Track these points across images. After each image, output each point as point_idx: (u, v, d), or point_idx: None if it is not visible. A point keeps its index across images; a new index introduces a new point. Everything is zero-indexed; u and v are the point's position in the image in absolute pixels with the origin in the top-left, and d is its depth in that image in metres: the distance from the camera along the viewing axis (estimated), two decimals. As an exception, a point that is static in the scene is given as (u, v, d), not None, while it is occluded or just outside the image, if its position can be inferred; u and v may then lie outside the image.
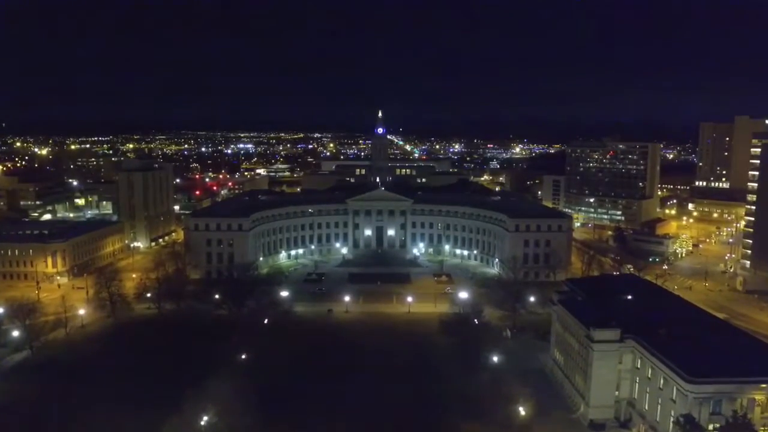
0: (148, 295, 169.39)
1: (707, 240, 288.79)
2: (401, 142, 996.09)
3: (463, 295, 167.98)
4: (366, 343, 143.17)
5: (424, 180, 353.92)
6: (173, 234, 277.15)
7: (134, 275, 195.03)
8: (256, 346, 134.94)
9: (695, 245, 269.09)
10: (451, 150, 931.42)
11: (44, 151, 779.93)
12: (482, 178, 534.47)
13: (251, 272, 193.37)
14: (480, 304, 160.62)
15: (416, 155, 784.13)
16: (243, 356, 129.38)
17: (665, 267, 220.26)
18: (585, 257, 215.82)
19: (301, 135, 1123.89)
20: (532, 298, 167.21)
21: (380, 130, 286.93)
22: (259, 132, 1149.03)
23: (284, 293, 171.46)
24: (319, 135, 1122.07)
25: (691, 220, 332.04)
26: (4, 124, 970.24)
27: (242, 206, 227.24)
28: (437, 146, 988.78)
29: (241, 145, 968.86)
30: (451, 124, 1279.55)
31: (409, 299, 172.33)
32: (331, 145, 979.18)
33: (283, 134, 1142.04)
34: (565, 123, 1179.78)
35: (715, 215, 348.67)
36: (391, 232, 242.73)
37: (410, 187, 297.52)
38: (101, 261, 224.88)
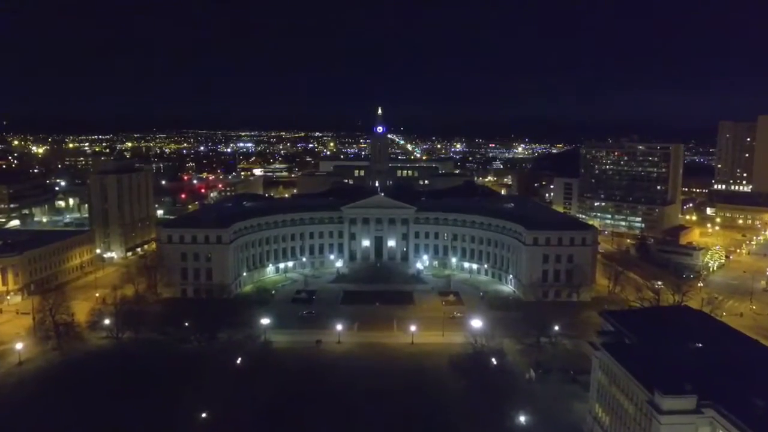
0: (106, 321, 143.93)
1: (737, 250, 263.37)
2: (402, 142, 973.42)
3: (476, 323, 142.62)
4: (360, 387, 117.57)
5: (426, 182, 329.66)
6: (153, 243, 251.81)
7: (97, 294, 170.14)
8: (224, 397, 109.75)
9: (726, 256, 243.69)
10: (453, 149, 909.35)
11: (41, 150, 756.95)
12: (487, 179, 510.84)
13: (226, 294, 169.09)
14: (497, 336, 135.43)
15: (417, 155, 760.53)
16: (204, 414, 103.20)
17: (700, 284, 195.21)
18: (612, 274, 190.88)
19: (302, 134, 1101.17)
20: (556, 327, 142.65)
21: (380, 129, 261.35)
22: (260, 131, 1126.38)
23: (265, 320, 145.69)
24: (320, 134, 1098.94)
25: (716, 228, 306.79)
26: (5, 122, 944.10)
27: (223, 215, 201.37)
28: (439, 145, 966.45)
29: (241, 144, 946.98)
30: (452, 122, 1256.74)
31: (413, 328, 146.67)
32: (332, 144, 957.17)
33: (284, 133, 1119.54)
34: (564, 123, 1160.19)
35: (740, 221, 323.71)
36: (391, 242, 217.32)
37: (412, 191, 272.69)
38: (65, 276, 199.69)
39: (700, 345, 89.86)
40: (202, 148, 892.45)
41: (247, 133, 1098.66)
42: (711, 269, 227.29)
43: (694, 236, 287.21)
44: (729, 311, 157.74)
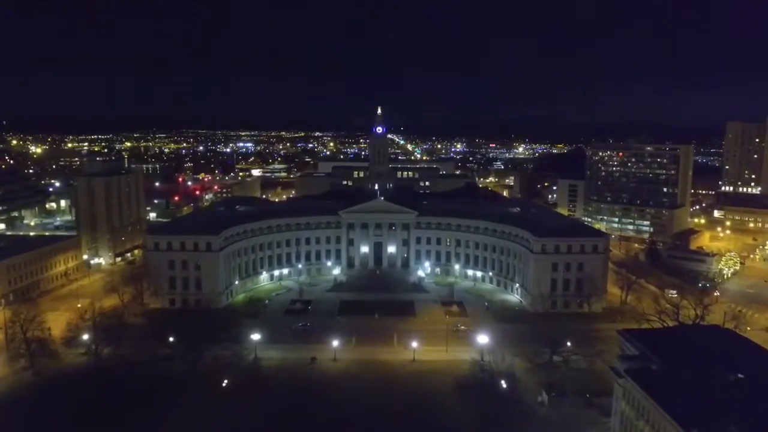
0: (84, 336, 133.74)
1: (750, 255, 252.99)
2: (402, 142, 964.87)
3: (482, 339, 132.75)
4: (358, 412, 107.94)
5: (427, 183, 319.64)
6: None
7: (79, 304, 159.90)
8: (208, 424, 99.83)
9: (740, 262, 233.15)
10: (453, 149, 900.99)
11: (39, 150, 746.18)
12: (488, 180, 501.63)
13: (216, 305, 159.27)
14: (505, 354, 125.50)
15: (418, 155, 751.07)
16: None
17: (717, 294, 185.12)
18: (624, 283, 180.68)
19: (302, 134, 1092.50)
20: (569, 343, 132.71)
21: (380, 130, 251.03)
22: (260, 131, 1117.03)
23: (255, 336, 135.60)
24: (320, 134, 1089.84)
25: (727, 231, 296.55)
26: (5, 122, 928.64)
27: (214, 220, 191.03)
28: (439, 146, 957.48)
29: (241, 144, 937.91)
30: (452, 122, 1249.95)
31: (414, 344, 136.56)
32: (332, 144, 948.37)
33: (284, 133, 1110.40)
34: (563, 123, 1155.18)
35: (751, 225, 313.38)
36: (391, 249, 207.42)
37: (412, 193, 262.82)
38: (48, 284, 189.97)
39: (741, 375, 79.66)
40: (201, 148, 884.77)
41: (247, 133, 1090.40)
42: (725, 276, 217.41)
43: (704, 240, 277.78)
44: (751, 325, 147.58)
